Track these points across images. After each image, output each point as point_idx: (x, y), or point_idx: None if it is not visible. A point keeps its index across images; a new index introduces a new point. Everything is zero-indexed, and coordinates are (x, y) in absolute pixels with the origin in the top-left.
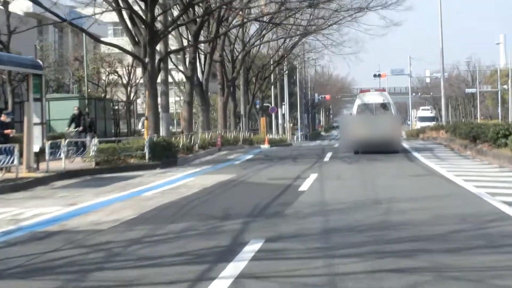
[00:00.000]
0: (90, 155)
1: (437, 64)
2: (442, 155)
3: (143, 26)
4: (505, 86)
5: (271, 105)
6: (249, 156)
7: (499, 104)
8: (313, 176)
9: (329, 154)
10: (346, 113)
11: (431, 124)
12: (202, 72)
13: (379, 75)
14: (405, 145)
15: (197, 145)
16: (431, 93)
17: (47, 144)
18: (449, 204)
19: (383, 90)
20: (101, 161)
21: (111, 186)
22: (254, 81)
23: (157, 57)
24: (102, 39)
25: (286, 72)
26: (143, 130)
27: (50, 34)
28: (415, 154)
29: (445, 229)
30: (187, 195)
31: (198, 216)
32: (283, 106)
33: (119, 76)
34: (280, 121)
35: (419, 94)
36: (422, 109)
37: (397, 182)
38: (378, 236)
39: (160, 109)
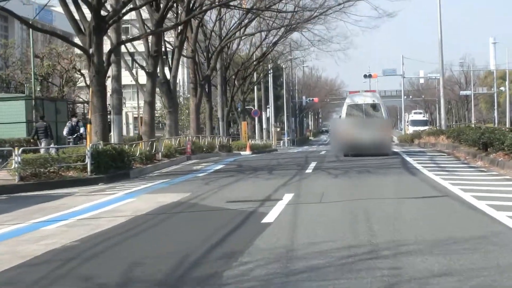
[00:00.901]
0: (13, 167)
1: (432, 65)
2: (448, 166)
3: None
4: (502, 88)
5: (254, 107)
6: (219, 166)
7: (496, 107)
8: (287, 198)
9: (312, 164)
10: (335, 116)
11: (425, 128)
12: (170, 69)
13: (370, 76)
14: (401, 152)
15: (160, 153)
16: (423, 96)
17: None
18: (496, 260)
19: (374, 91)
20: (28, 175)
21: (16, 212)
22: (234, 80)
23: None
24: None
25: (271, 72)
26: (69, 138)
27: (16, 31)
28: (416, 164)
29: None
30: (100, 231)
31: (78, 283)
32: (267, 109)
33: (81, 74)
34: (264, 125)
35: (410, 97)
36: (415, 113)
37: (401, 210)
38: None
39: (111, 111)
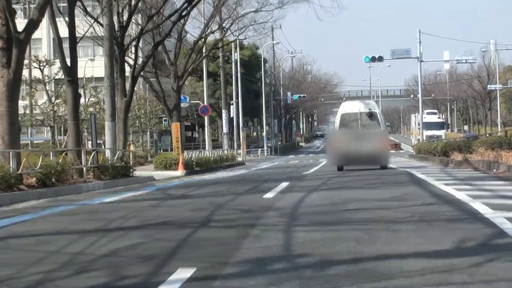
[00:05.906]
0: None
1: (456, 43)
2: None
3: None
4: None
5: (202, 102)
6: None
7: None
8: None
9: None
10: (332, 120)
11: (441, 133)
12: None
13: (374, 59)
14: (479, 208)
15: None
16: (432, 95)
17: None
18: None
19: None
20: None
21: None
22: (135, 47)
23: None
24: None
25: (237, 46)
26: None
27: None
28: None
29: None
30: None
31: None
32: (231, 106)
33: None
34: (224, 129)
35: (418, 96)
36: (427, 113)
37: None
38: None
39: None
